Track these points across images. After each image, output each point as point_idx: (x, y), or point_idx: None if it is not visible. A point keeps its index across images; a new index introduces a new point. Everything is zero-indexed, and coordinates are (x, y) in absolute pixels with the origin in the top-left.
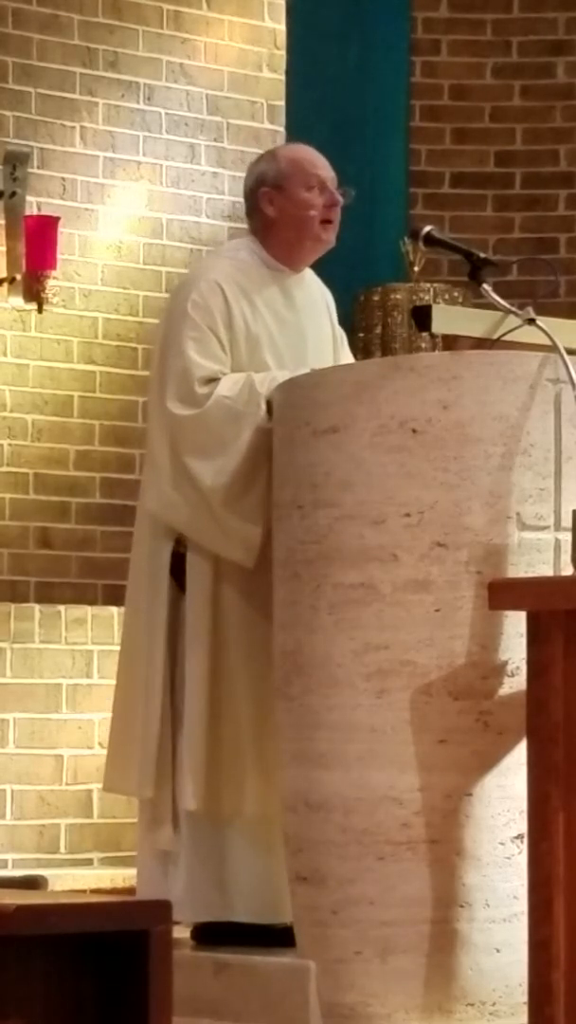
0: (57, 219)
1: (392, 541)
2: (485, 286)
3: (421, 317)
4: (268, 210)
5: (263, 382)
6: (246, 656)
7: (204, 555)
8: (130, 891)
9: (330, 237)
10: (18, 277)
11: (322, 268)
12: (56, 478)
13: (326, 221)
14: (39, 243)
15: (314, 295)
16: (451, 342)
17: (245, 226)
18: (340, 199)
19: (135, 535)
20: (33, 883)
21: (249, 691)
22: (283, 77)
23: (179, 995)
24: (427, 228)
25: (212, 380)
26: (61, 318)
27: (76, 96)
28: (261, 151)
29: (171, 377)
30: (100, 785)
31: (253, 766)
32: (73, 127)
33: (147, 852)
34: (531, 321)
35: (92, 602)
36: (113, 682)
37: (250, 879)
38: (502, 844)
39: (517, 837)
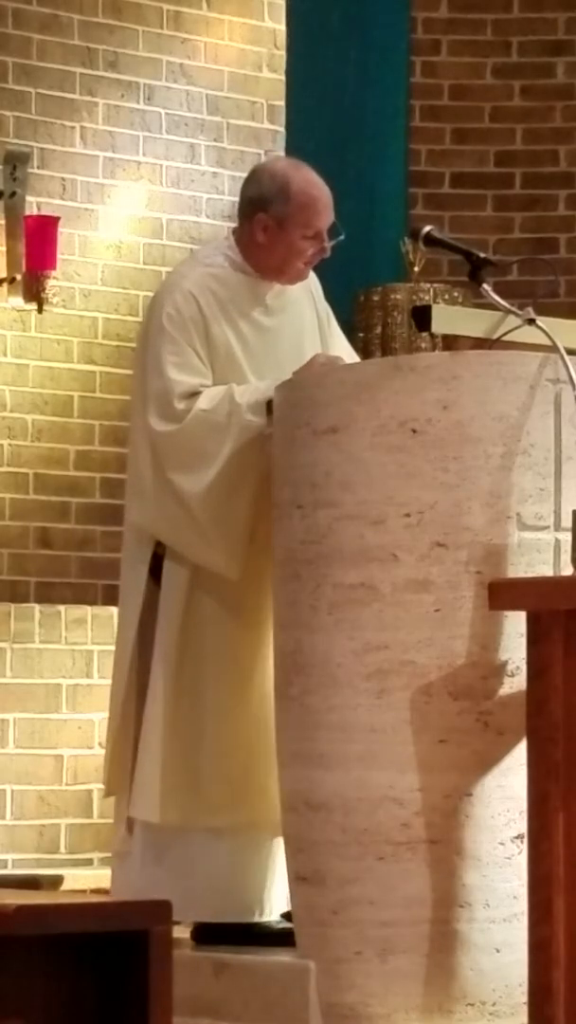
0: (57, 219)
1: (392, 541)
2: (485, 286)
3: (421, 317)
4: (259, 236)
5: (243, 393)
6: (213, 665)
7: (181, 560)
8: None
9: (307, 275)
10: (18, 277)
11: (322, 268)
12: (56, 478)
13: (308, 263)
14: (39, 243)
15: (293, 291)
16: (451, 342)
17: None
18: (327, 253)
19: (123, 539)
20: (34, 883)
21: (214, 700)
22: (283, 77)
23: (179, 995)
24: (427, 228)
25: (192, 393)
26: (61, 318)
27: (76, 96)
28: (261, 151)
29: (152, 396)
30: (100, 785)
31: (212, 777)
32: (73, 127)
33: (113, 851)
34: (531, 321)
35: (92, 602)
36: None
37: (216, 878)
38: (502, 844)
39: (517, 837)
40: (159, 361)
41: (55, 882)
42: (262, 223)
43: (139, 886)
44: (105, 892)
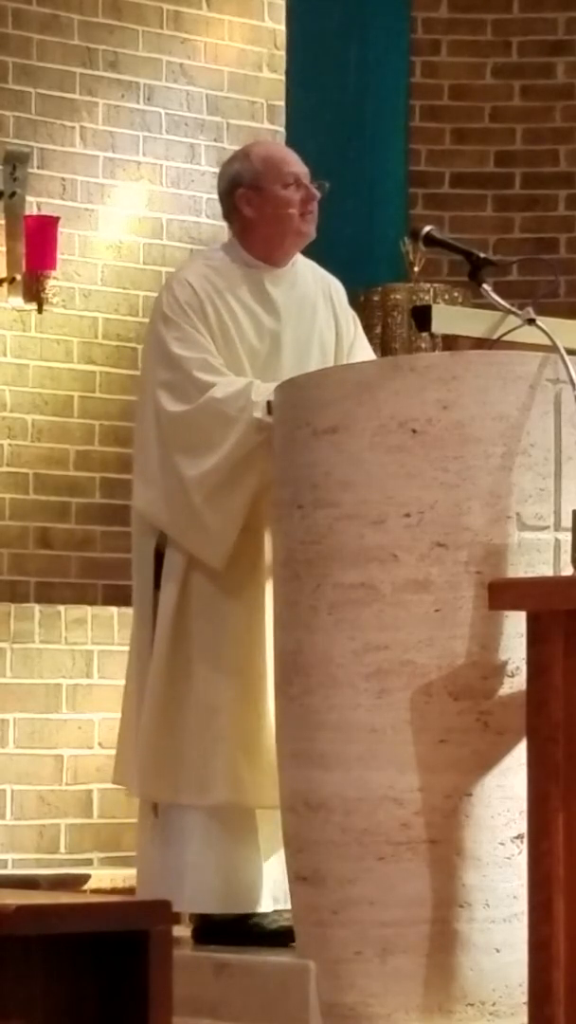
0: (57, 219)
1: (392, 541)
2: (485, 286)
3: (421, 317)
4: (247, 211)
5: (260, 391)
6: (210, 648)
7: (180, 551)
8: (130, 891)
9: (311, 229)
10: (18, 277)
11: (323, 267)
12: (56, 478)
13: (305, 214)
14: (39, 243)
15: (305, 290)
16: (451, 342)
17: None
18: (316, 193)
19: (132, 534)
20: (34, 883)
21: (208, 682)
22: (283, 77)
23: (179, 995)
24: (427, 228)
25: (207, 366)
26: (61, 318)
27: (76, 96)
28: None
29: (163, 382)
30: (100, 785)
31: (202, 755)
32: (73, 127)
33: (138, 842)
34: (531, 321)
35: (92, 602)
36: (113, 682)
37: (206, 869)
38: (502, 844)
39: (517, 837)
40: (165, 348)
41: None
42: (244, 198)
43: (160, 873)
44: (105, 892)
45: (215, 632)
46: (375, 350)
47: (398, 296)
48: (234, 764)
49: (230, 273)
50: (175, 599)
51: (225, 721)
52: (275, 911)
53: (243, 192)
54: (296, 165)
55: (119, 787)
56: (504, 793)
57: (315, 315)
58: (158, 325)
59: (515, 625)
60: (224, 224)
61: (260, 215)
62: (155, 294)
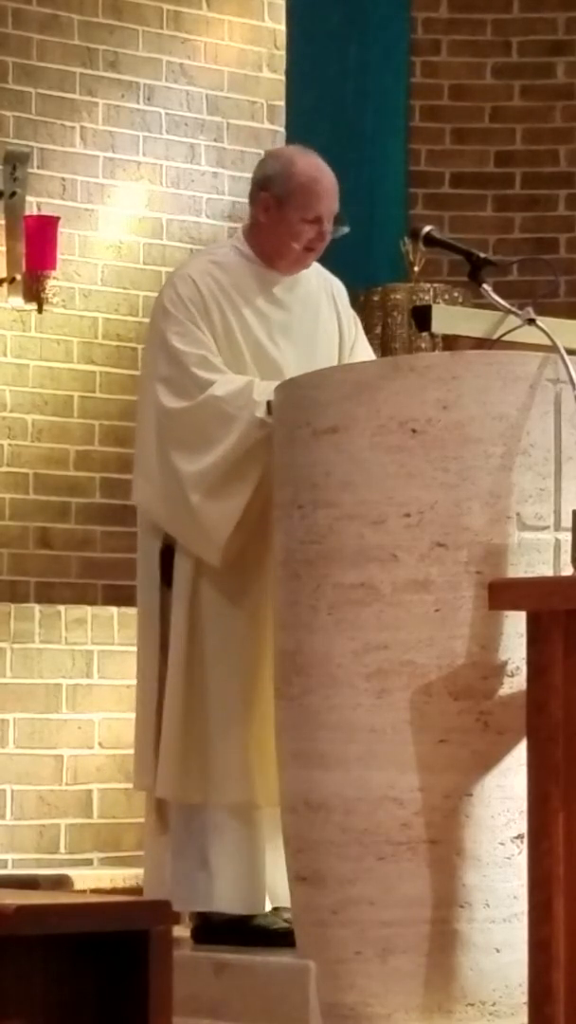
0: (57, 219)
1: (392, 541)
2: (485, 286)
3: (421, 317)
4: (261, 215)
5: (262, 391)
6: (220, 649)
7: (188, 555)
8: (130, 891)
9: (310, 262)
10: (18, 277)
11: (322, 267)
12: (56, 478)
13: (310, 250)
14: (39, 243)
15: (309, 288)
16: (451, 342)
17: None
18: (328, 237)
19: (138, 532)
20: (33, 883)
21: (221, 683)
22: (283, 77)
23: (179, 995)
24: (427, 228)
25: (205, 363)
26: (61, 318)
27: (76, 96)
28: (261, 151)
29: (163, 377)
30: (100, 785)
31: (219, 755)
32: (73, 127)
33: (149, 844)
34: (531, 321)
35: (92, 602)
36: (113, 682)
37: (229, 869)
38: (502, 844)
39: (517, 837)
40: (165, 342)
41: (61, 882)
42: (264, 202)
43: (173, 873)
44: (105, 892)
45: (226, 635)
46: (375, 350)
47: (398, 296)
48: (250, 764)
49: (235, 269)
50: (187, 605)
51: (240, 722)
52: (274, 911)
53: (266, 196)
54: (324, 203)
55: (119, 787)
56: (504, 793)
57: (319, 313)
58: (159, 319)
59: (515, 625)
60: (224, 225)
61: (269, 227)
62: (155, 294)
